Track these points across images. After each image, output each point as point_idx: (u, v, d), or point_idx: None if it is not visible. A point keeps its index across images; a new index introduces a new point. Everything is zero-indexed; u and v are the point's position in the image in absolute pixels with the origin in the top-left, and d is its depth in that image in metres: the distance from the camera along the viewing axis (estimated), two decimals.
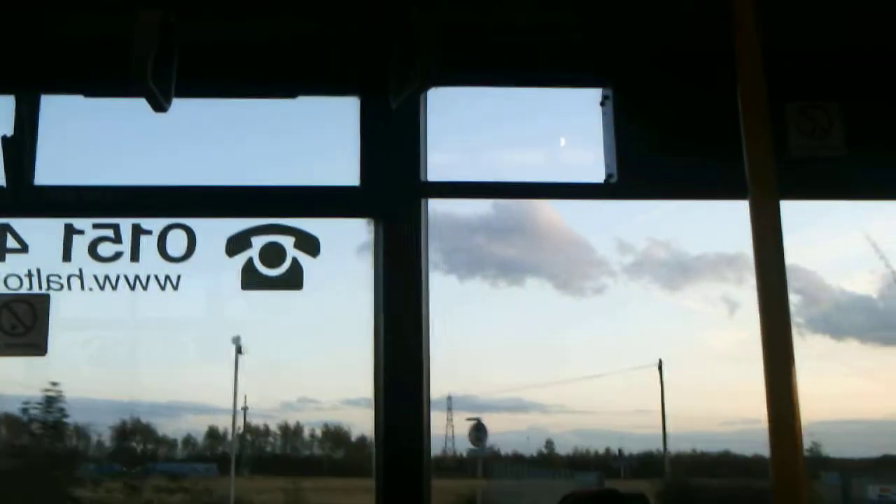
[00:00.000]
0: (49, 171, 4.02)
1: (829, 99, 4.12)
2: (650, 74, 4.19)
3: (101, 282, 3.87)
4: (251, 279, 3.92)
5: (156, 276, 3.88)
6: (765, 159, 3.44)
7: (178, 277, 3.90)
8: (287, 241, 3.96)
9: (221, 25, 4.03)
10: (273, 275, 3.92)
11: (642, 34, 4.17)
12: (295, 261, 3.94)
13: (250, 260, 3.93)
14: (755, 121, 3.54)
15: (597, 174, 4.17)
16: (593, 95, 4.29)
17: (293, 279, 3.93)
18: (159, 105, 3.65)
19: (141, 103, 4.12)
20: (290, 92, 4.19)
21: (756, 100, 3.60)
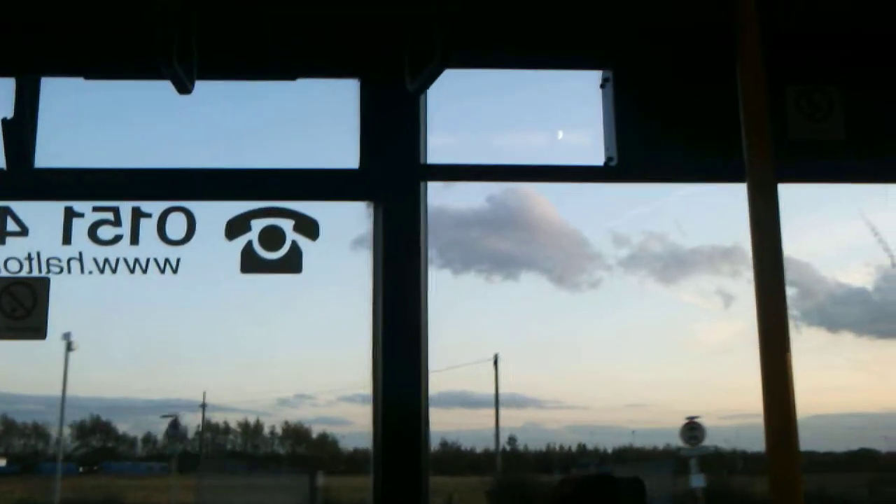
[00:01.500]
0: (49, 153, 4.03)
1: (829, 82, 4.11)
2: (650, 57, 4.18)
3: (101, 265, 3.88)
4: (251, 262, 3.92)
5: (155, 260, 3.88)
6: (763, 143, 3.44)
7: (178, 261, 3.90)
8: (286, 224, 3.96)
9: (222, 7, 4.01)
10: (272, 258, 3.93)
11: (643, 16, 4.15)
12: (294, 244, 3.94)
13: (250, 243, 3.93)
14: (754, 104, 3.54)
15: (597, 157, 4.17)
16: (593, 78, 4.29)
17: (292, 262, 3.93)
18: (184, 87, 3.68)
19: (141, 86, 4.18)
20: (289, 74, 4.19)
21: (755, 83, 3.60)
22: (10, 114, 3.99)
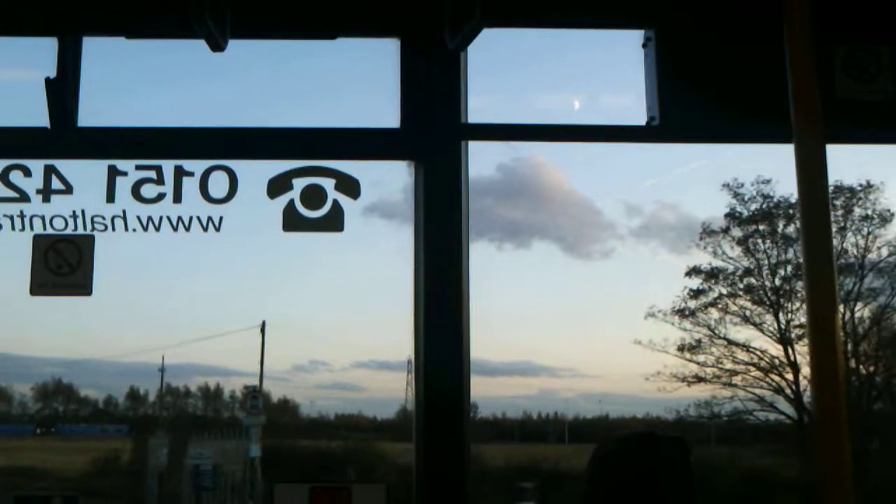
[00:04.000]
0: (92, 112, 4.05)
1: (877, 42, 4.05)
2: (693, 16, 4.13)
3: (145, 223, 3.91)
4: (292, 221, 3.94)
5: (198, 218, 3.91)
6: (812, 103, 3.40)
7: (220, 219, 3.93)
8: (328, 184, 3.97)
9: None
10: (314, 216, 3.94)
11: None
12: (336, 203, 3.95)
13: (291, 202, 3.95)
14: (802, 64, 3.50)
15: (638, 118, 4.14)
16: (635, 37, 4.25)
17: (334, 221, 3.95)
18: (217, 44, 3.69)
19: (182, 45, 4.17)
20: (330, 33, 4.17)
21: (803, 42, 3.56)
22: (53, 73, 4.01)
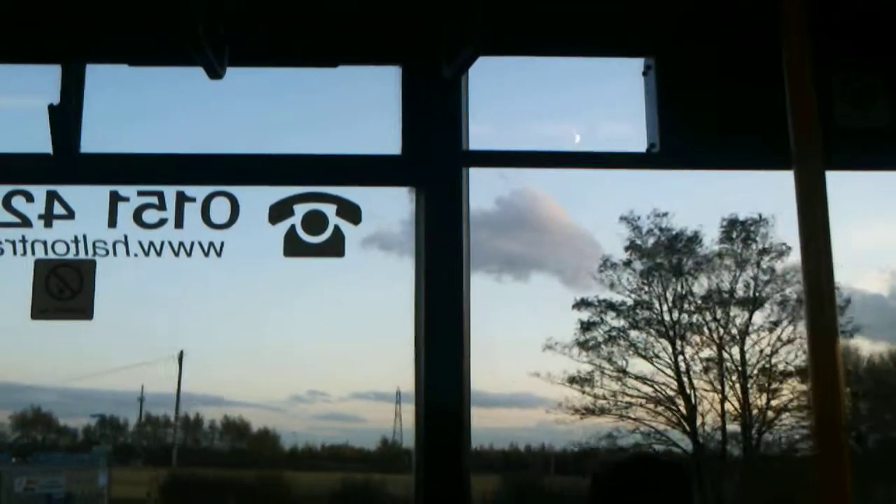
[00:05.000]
0: (95, 139, 4.07)
1: (875, 69, 4.07)
2: (693, 44, 4.15)
3: (146, 248, 3.92)
4: (293, 246, 3.95)
5: (199, 243, 3.92)
6: (811, 130, 3.42)
7: (222, 244, 3.94)
8: (329, 209, 3.98)
9: None
10: (315, 242, 3.95)
11: (685, 2, 4.13)
12: (337, 228, 3.96)
13: (293, 227, 3.96)
14: (800, 90, 3.52)
15: (639, 145, 4.16)
16: (634, 65, 4.27)
17: (335, 247, 3.96)
18: (215, 72, 3.72)
19: (185, 72, 4.20)
20: (332, 61, 4.20)
21: (801, 69, 3.58)
22: (56, 100, 4.03)
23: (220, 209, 3.95)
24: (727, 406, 21.02)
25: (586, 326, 21.46)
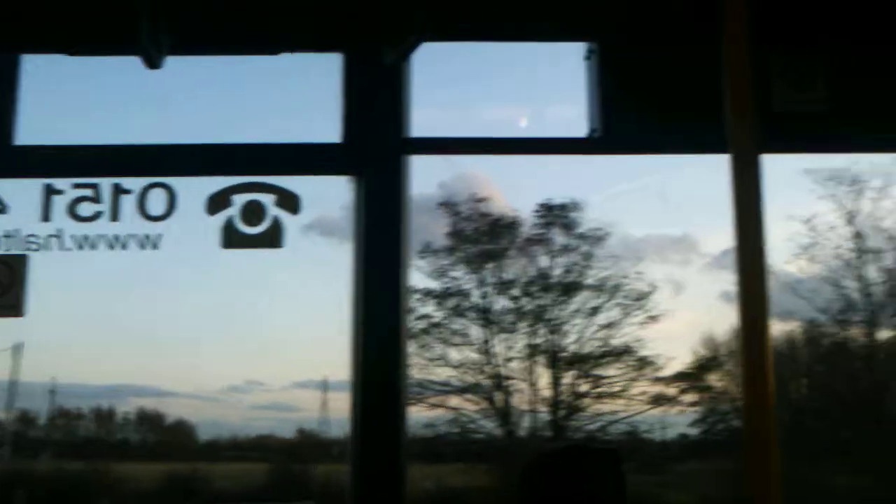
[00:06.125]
0: (30, 130, 4.01)
1: (814, 52, 4.06)
2: (635, 28, 4.13)
3: (81, 241, 3.86)
4: (232, 238, 3.90)
5: (135, 236, 3.87)
6: (745, 113, 3.42)
7: (159, 236, 3.89)
8: (268, 200, 3.94)
9: None
10: (254, 233, 3.91)
11: None
12: (276, 219, 3.92)
13: (231, 218, 3.91)
14: (737, 75, 3.51)
15: (582, 130, 4.13)
16: (578, 50, 4.24)
17: (274, 238, 3.91)
18: (153, 62, 3.67)
19: (121, 62, 4.14)
20: (272, 49, 4.15)
21: (739, 54, 3.57)
22: None
23: (156, 201, 3.90)
24: (546, 392, 20.83)
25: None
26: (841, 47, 4.07)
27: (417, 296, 21.28)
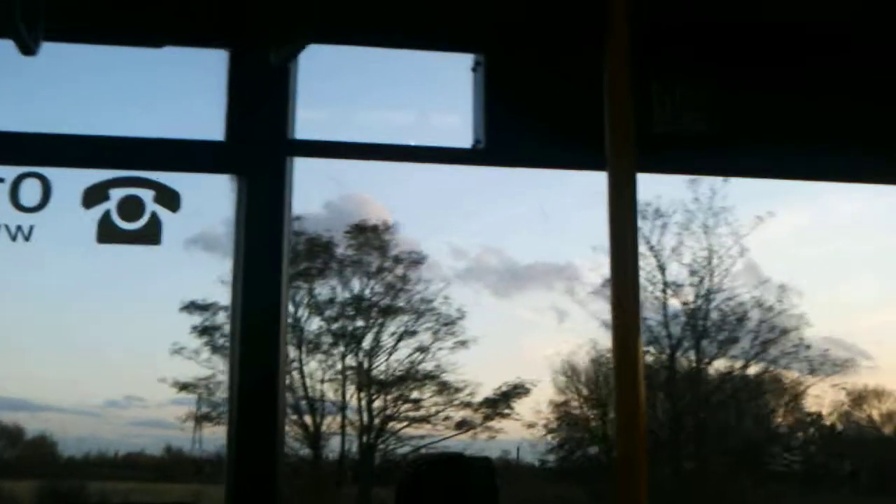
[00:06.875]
0: None
1: (695, 78, 4.20)
2: (522, 43, 4.21)
3: None
4: (108, 233, 3.82)
5: (6, 226, 3.75)
6: (624, 132, 3.51)
7: (31, 228, 3.78)
8: (147, 195, 3.87)
9: None
10: (131, 228, 3.84)
11: (515, 1, 4.18)
12: (154, 215, 3.86)
13: (108, 213, 3.83)
14: (618, 95, 3.61)
15: (466, 140, 4.19)
16: (466, 61, 4.30)
17: (152, 234, 3.85)
18: (27, 47, 3.56)
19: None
20: (156, 41, 4.08)
21: (620, 74, 3.67)
22: None
23: (30, 191, 3.79)
24: (357, 416, 20.85)
25: (201, 331, 20.74)
26: (722, 72, 4.22)
27: (212, 311, 20.63)
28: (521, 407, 21.74)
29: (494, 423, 21.57)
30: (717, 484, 20.40)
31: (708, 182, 20.74)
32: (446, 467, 3.17)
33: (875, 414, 24.75)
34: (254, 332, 3.72)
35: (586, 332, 23.81)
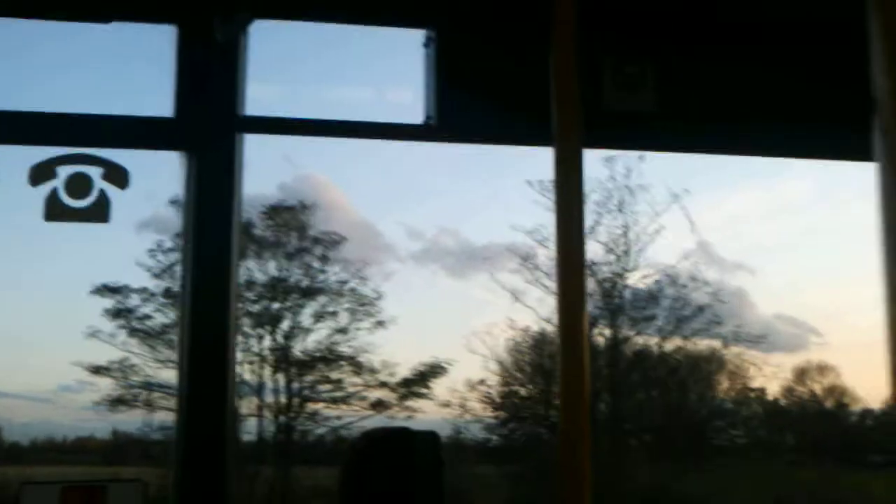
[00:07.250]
0: None
1: (644, 54, 4.22)
2: (472, 18, 4.20)
3: None
4: (55, 210, 3.79)
5: None
6: (571, 109, 3.53)
7: None
8: (95, 172, 3.84)
9: None
10: (79, 206, 3.81)
11: None
12: (102, 192, 3.83)
13: (55, 190, 3.80)
14: (565, 71, 3.62)
15: (418, 116, 4.18)
16: (417, 36, 4.29)
17: (100, 212, 3.82)
18: None
19: None
20: (104, 17, 4.04)
21: (567, 50, 3.68)
22: None
23: None
24: (277, 398, 20.80)
25: (115, 314, 19.86)
26: (670, 49, 4.24)
27: (143, 296, 20.36)
28: (439, 387, 21.65)
29: (412, 403, 21.50)
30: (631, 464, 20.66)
31: (622, 160, 20.58)
32: (393, 441, 3.19)
33: (818, 388, 25.21)
34: (203, 313, 3.71)
35: (541, 311, 23.72)
